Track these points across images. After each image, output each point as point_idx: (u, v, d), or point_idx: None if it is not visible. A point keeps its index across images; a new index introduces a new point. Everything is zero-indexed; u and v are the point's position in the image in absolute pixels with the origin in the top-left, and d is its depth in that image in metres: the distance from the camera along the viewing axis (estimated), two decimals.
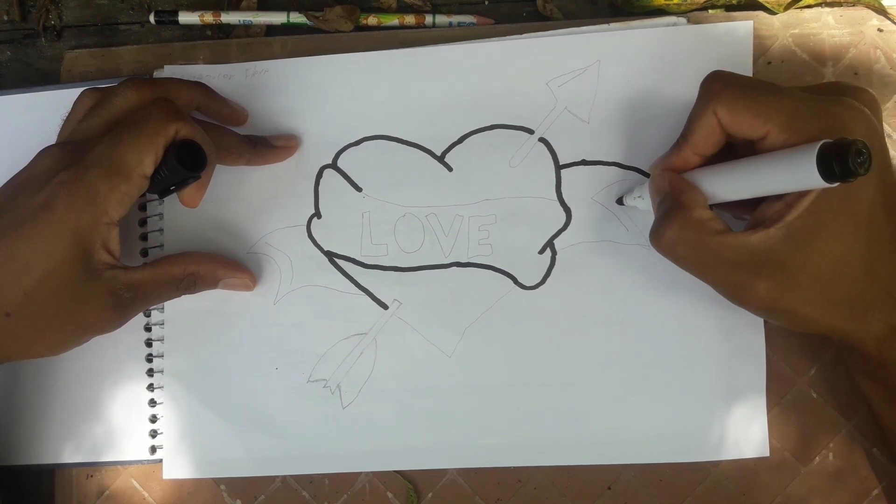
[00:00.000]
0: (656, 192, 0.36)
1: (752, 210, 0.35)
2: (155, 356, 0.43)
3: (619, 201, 0.41)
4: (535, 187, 0.42)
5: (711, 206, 0.35)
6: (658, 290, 0.41)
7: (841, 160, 0.28)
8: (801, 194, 0.32)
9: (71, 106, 0.39)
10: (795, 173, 0.30)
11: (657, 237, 0.35)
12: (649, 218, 0.40)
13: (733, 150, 0.35)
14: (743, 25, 0.41)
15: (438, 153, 0.43)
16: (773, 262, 0.32)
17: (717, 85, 0.34)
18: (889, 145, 0.41)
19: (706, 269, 0.35)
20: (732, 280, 0.34)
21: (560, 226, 0.42)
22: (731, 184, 0.34)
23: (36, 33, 0.48)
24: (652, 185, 0.37)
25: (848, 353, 0.37)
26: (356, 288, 0.42)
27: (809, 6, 0.42)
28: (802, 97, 0.33)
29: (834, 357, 0.40)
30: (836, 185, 0.29)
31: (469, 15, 0.44)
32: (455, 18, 0.44)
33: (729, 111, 0.33)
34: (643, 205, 0.39)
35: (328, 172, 0.43)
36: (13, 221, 0.35)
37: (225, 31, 0.47)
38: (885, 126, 0.41)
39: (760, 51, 0.42)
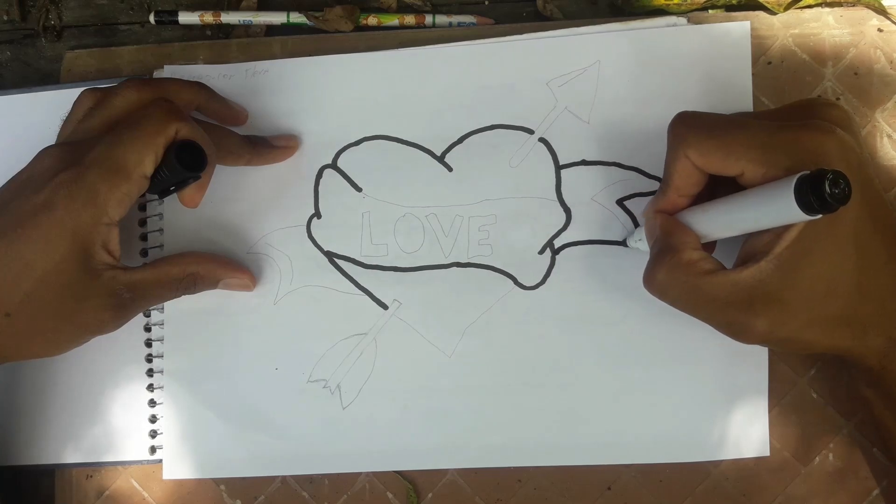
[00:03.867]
0: (649, 235, 0.36)
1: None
2: (155, 356, 0.43)
3: (624, 243, 0.41)
4: (535, 187, 0.42)
5: (714, 244, 0.35)
6: None
7: (818, 194, 0.27)
8: (788, 225, 0.31)
9: (71, 106, 0.39)
10: (777, 210, 0.30)
11: (648, 280, 0.35)
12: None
13: (729, 183, 0.35)
14: (740, 26, 0.41)
15: (438, 153, 0.43)
16: (767, 295, 0.32)
17: (682, 129, 0.34)
18: (889, 145, 0.41)
19: (699, 310, 0.34)
20: (727, 318, 0.33)
21: (560, 226, 0.42)
22: (719, 223, 0.34)
23: (36, 33, 0.48)
24: (645, 228, 0.37)
25: (850, 365, 0.37)
26: (356, 288, 0.42)
27: (809, 6, 0.42)
28: (770, 127, 0.32)
29: (834, 357, 0.40)
30: (817, 217, 0.29)
31: (469, 15, 0.44)
32: (455, 18, 0.44)
33: (699, 154, 0.33)
34: (644, 247, 0.38)
35: (328, 172, 0.43)
36: (13, 221, 0.35)
37: (225, 31, 0.47)
38: (885, 126, 0.41)
39: (760, 51, 0.42)
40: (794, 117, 0.34)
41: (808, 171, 0.28)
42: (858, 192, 0.32)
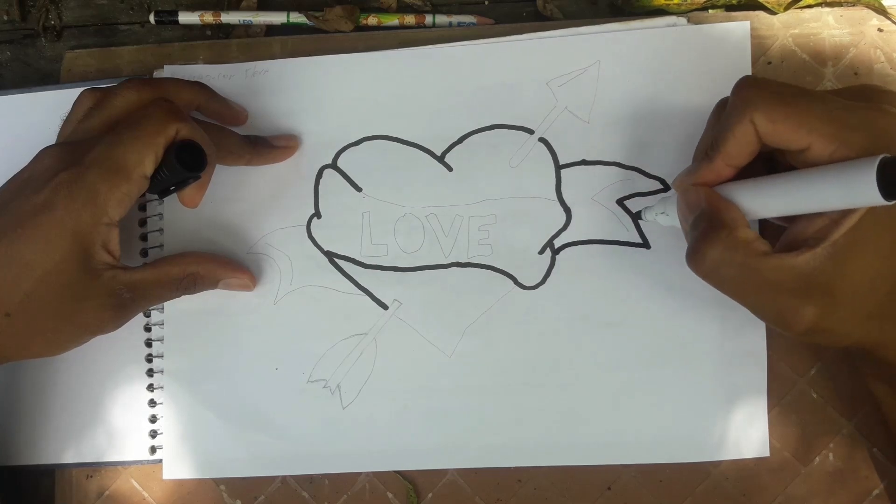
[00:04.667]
0: (689, 209, 0.34)
1: (783, 219, 0.33)
2: (155, 356, 0.43)
3: (639, 215, 0.40)
4: (535, 187, 0.42)
5: None
6: (658, 290, 0.41)
7: None
8: (847, 210, 0.30)
9: (71, 106, 0.39)
10: (852, 190, 0.28)
11: (698, 259, 0.33)
12: (666, 231, 0.39)
13: (760, 162, 0.34)
14: (740, 26, 0.41)
15: (438, 153, 0.43)
16: (819, 283, 0.31)
17: (752, 91, 0.31)
18: None
19: (749, 293, 0.33)
20: (778, 304, 0.32)
21: (560, 226, 0.42)
22: (775, 200, 0.31)
23: (36, 33, 0.48)
24: (683, 201, 0.34)
25: (861, 358, 0.36)
26: (356, 288, 0.42)
27: (809, 6, 0.42)
28: (846, 105, 0.31)
29: (834, 357, 0.40)
30: (894, 202, 0.27)
31: (469, 15, 0.44)
32: (455, 18, 0.44)
33: (768, 120, 0.31)
34: (666, 221, 0.37)
35: (328, 172, 0.43)
36: (13, 221, 0.35)
37: (225, 31, 0.47)
38: None
39: (760, 51, 0.42)
40: (856, 100, 0.32)
41: (889, 155, 0.27)
42: None
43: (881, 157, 0.27)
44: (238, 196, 0.43)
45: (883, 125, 0.30)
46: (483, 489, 0.42)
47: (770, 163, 0.35)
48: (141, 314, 0.43)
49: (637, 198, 0.41)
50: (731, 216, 0.32)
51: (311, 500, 0.43)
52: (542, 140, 0.42)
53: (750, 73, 0.41)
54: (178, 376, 0.43)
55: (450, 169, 0.43)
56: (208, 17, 0.46)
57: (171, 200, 0.43)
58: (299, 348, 0.42)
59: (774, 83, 0.32)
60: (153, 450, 0.43)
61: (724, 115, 0.33)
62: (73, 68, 0.46)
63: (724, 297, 0.34)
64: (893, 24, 0.41)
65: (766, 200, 0.32)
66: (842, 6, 0.42)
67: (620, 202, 0.41)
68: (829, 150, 0.30)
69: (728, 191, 0.33)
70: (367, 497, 0.42)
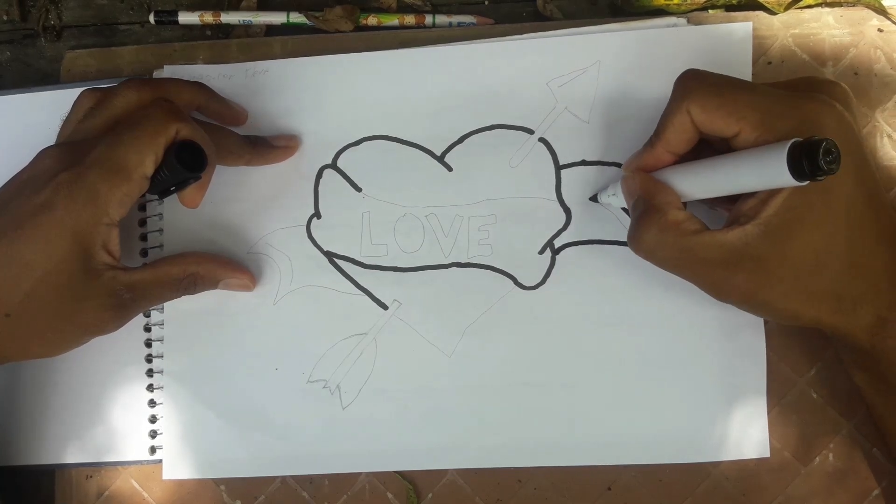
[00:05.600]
0: (628, 193, 0.36)
1: (729, 202, 0.35)
2: (155, 356, 0.43)
3: (594, 198, 0.41)
4: (535, 187, 0.42)
5: (685, 204, 0.35)
6: (658, 289, 0.41)
7: (811, 159, 0.28)
8: (775, 191, 0.32)
9: (71, 106, 0.39)
10: (766, 172, 0.30)
11: (635, 242, 0.35)
12: (623, 215, 0.41)
13: (706, 147, 0.36)
14: (742, 27, 0.41)
15: (438, 153, 0.43)
16: (751, 257, 0.33)
17: (691, 83, 0.34)
18: (889, 145, 0.41)
19: (685, 269, 0.35)
20: (712, 277, 0.34)
21: (560, 226, 0.42)
22: (703, 182, 0.34)
23: (36, 33, 0.48)
24: (623, 185, 0.37)
25: (841, 346, 0.37)
26: (356, 288, 0.42)
27: (809, 6, 0.42)
28: (775, 94, 0.33)
29: (834, 357, 0.40)
30: (805, 183, 0.29)
31: (469, 15, 0.44)
32: (455, 18, 0.44)
33: (702, 109, 0.33)
34: (617, 202, 0.39)
35: (328, 172, 0.43)
36: (13, 222, 0.35)
37: (225, 31, 0.47)
38: (885, 126, 0.41)
39: (760, 51, 0.42)
40: (798, 91, 0.34)
41: (802, 138, 0.29)
42: (852, 170, 0.33)
43: (792, 140, 0.29)
44: (238, 196, 0.43)
45: (809, 112, 0.32)
46: (483, 489, 0.42)
47: (712, 150, 0.36)
48: (141, 314, 0.43)
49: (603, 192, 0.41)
50: (664, 199, 0.35)
51: (311, 500, 0.43)
52: (542, 140, 0.42)
53: (750, 73, 0.41)
54: (178, 376, 0.43)
55: (450, 169, 0.43)
56: (208, 18, 0.46)
57: (171, 200, 0.43)
58: (299, 348, 0.42)
59: (713, 75, 0.34)
60: (153, 450, 0.43)
61: (666, 105, 0.35)
62: (73, 68, 0.46)
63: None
64: (893, 24, 0.41)
65: (696, 182, 0.34)
66: (842, 6, 0.42)
67: (594, 199, 0.41)
68: (755, 135, 0.32)
69: (666, 175, 0.36)
70: (367, 497, 0.42)
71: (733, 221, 0.33)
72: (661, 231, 0.34)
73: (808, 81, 0.36)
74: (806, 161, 0.28)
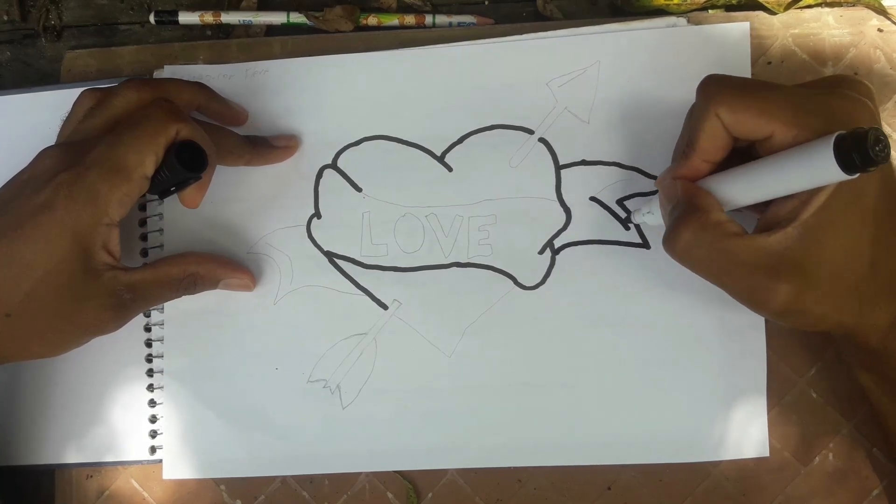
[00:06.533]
0: (668, 200, 0.35)
1: (757, 209, 0.34)
2: (155, 356, 0.43)
3: (628, 220, 0.41)
4: (535, 187, 0.42)
5: None
6: (658, 290, 0.41)
7: (860, 150, 0.27)
8: (815, 191, 0.31)
9: (71, 106, 0.39)
10: (813, 169, 0.29)
11: (672, 242, 0.34)
12: (658, 231, 0.39)
13: (739, 157, 0.35)
14: (740, 27, 0.41)
15: (438, 153, 0.43)
16: (792, 262, 0.32)
17: (714, 87, 0.33)
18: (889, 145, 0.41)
19: (723, 274, 0.34)
20: (750, 284, 0.33)
21: (560, 226, 0.42)
22: (747, 187, 0.33)
23: (36, 33, 0.48)
24: (663, 194, 0.36)
25: (847, 347, 0.37)
26: (356, 288, 0.42)
27: (809, 6, 0.42)
28: (802, 92, 0.33)
29: (834, 357, 0.40)
30: (856, 176, 0.28)
31: (469, 15, 0.44)
32: (455, 18, 0.44)
33: (731, 111, 0.32)
34: (653, 220, 0.38)
35: (328, 172, 0.43)
36: (13, 222, 0.35)
37: (225, 31, 0.47)
38: (885, 126, 0.41)
39: (760, 51, 0.42)
40: (822, 88, 0.34)
41: (845, 131, 0.28)
42: (881, 168, 0.31)
43: (836, 133, 0.28)
44: (238, 196, 0.43)
45: (839, 107, 0.31)
46: (483, 489, 0.42)
47: (747, 158, 0.35)
48: (141, 314, 0.43)
49: (637, 198, 0.41)
50: (706, 201, 0.33)
51: (311, 500, 0.43)
52: (542, 140, 0.42)
53: (750, 73, 0.41)
54: (178, 376, 0.43)
55: (450, 169, 0.43)
56: (208, 18, 0.46)
57: (172, 200, 0.43)
58: (299, 348, 0.42)
59: (735, 78, 0.34)
60: (153, 450, 0.43)
61: (693, 114, 0.34)
62: (73, 68, 0.46)
63: (725, 297, 0.35)
64: (893, 24, 0.41)
65: (739, 188, 0.33)
66: (842, 6, 0.42)
67: (620, 202, 0.41)
68: (791, 134, 0.31)
69: (706, 184, 0.34)
70: (367, 497, 0.42)
71: (771, 225, 0.32)
72: (702, 229, 0.32)
73: (832, 80, 0.35)
74: (856, 153, 0.27)
